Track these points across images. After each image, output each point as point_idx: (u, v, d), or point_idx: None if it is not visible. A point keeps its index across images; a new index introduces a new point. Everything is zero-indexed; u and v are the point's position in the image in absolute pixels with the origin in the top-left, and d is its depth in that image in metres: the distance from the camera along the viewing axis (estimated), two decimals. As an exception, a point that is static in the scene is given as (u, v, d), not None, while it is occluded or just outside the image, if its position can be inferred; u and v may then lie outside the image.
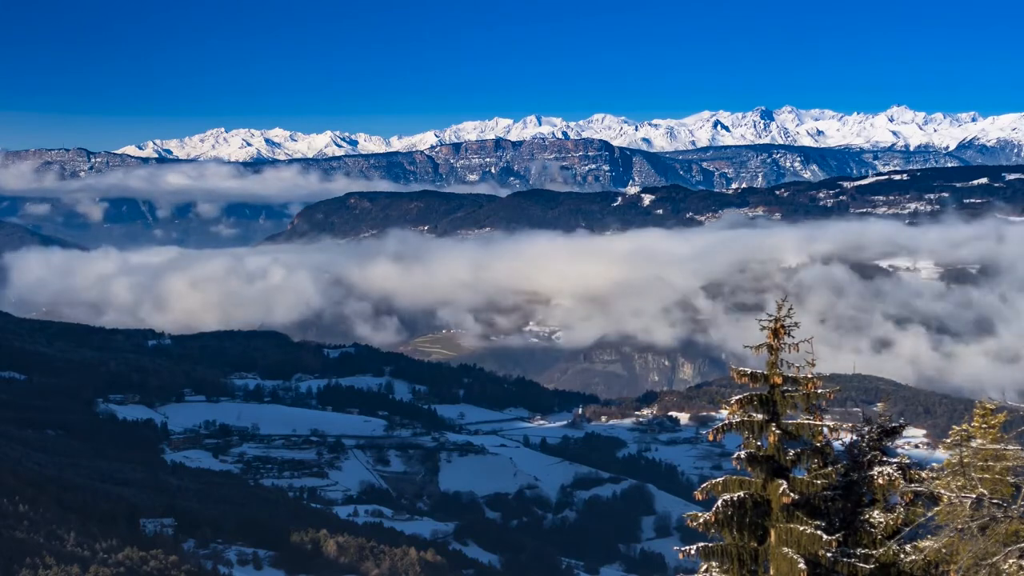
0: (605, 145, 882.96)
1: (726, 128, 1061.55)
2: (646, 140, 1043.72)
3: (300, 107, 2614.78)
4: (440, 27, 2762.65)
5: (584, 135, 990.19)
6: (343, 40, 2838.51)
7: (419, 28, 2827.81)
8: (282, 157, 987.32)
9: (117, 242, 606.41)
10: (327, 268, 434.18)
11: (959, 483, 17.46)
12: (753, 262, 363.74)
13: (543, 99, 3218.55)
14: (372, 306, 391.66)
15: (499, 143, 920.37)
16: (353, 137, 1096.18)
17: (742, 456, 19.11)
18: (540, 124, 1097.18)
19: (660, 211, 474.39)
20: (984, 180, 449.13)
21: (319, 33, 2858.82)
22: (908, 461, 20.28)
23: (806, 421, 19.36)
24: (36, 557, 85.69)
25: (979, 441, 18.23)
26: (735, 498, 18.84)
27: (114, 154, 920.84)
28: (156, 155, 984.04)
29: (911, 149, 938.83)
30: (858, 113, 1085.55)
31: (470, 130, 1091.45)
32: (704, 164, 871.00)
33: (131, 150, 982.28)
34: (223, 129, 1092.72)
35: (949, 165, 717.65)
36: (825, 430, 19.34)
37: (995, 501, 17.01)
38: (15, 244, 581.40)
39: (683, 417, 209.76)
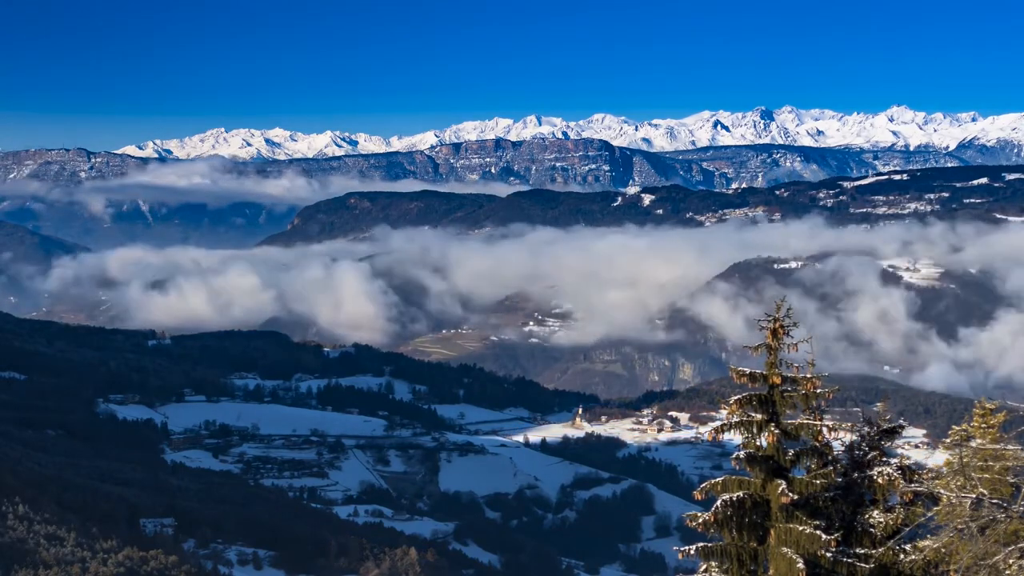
0: (605, 145, 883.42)
1: (726, 128, 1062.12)
2: (646, 140, 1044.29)
3: (300, 107, 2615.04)
4: (440, 27, 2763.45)
5: (584, 135, 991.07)
6: (343, 40, 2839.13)
7: (419, 28, 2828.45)
8: (282, 157, 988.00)
9: (117, 242, 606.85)
10: (327, 267, 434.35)
11: (959, 483, 17.44)
12: (753, 262, 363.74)
13: (543, 99, 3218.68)
14: (375, 306, 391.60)
15: (499, 143, 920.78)
16: (353, 137, 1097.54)
17: (741, 456, 19.10)
18: (540, 124, 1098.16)
19: (660, 211, 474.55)
20: (984, 180, 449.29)
21: (319, 33, 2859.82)
22: (908, 461, 20.28)
23: (805, 421, 19.35)
24: (36, 557, 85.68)
25: (979, 441, 18.21)
26: (734, 498, 18.83)
27: (114, 154, 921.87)
28: (156, 155, 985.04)
29: (911, 149, 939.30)
30: (858, 113, 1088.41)
31: (470, 130, 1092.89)
32: (704, 164, 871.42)
33: (131, 150, 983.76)
34: (223, 129, 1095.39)
35: (949, 165, 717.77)
36: (824, 430, 19.32)
37: (995, 501, 16.99)
38: (15, 244, 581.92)
39: (683, 417, 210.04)
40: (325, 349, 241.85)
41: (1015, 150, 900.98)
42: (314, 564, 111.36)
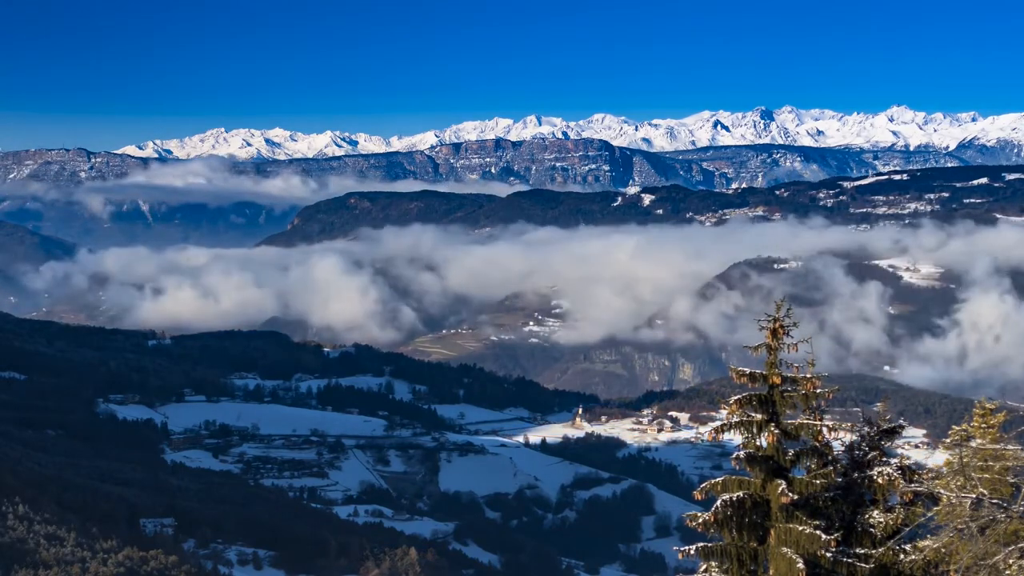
0: (605, 145, 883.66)
1: (726, 128, 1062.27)
2: (646, 140, 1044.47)
3: (300, 107, 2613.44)
4: (440, 27, 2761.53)
5: (584, 135, 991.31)
6: (343, 40, 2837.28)
7: (419, 28, 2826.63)
8: (282, 157, 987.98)
9: (117, 242, 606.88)
10: (327, 267, 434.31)
11: (959, 483, 17.44)
12: (753, 262, 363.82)
13: (543, 99, 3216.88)
14: (375, 305, 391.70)
15: (499, 143, 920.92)
16: (353, 137, 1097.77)
17: (741, 456, 19.09)
18: (540, 124, 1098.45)
19: (660, 211, 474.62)
20: (984, 180, 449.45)
21: (319, 33, 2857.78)
22: (908, 461, 20.28)
23: (805, 421, 19.34)
24: (36, 557, 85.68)
25: (978, 441, 18.20)
26: (734, 498, 18.81)
27: (114, 154, 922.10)
28: (156, 155, 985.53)
29: (911, 149, 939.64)
30: (858, 113, 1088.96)
31: (470, 130, 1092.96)
32: (704, 164, 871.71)
33: (131, 150, 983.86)
34: (223, 129, 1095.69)
35: (949, 165, 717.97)
36: (824, 430, 19.31)
37: (995, 501, 16.99)
38: (15, 244, 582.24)
39: (683, 417, 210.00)
40: (325, 349, 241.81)
41: (1015, 150, 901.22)
42: (314, 564, 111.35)
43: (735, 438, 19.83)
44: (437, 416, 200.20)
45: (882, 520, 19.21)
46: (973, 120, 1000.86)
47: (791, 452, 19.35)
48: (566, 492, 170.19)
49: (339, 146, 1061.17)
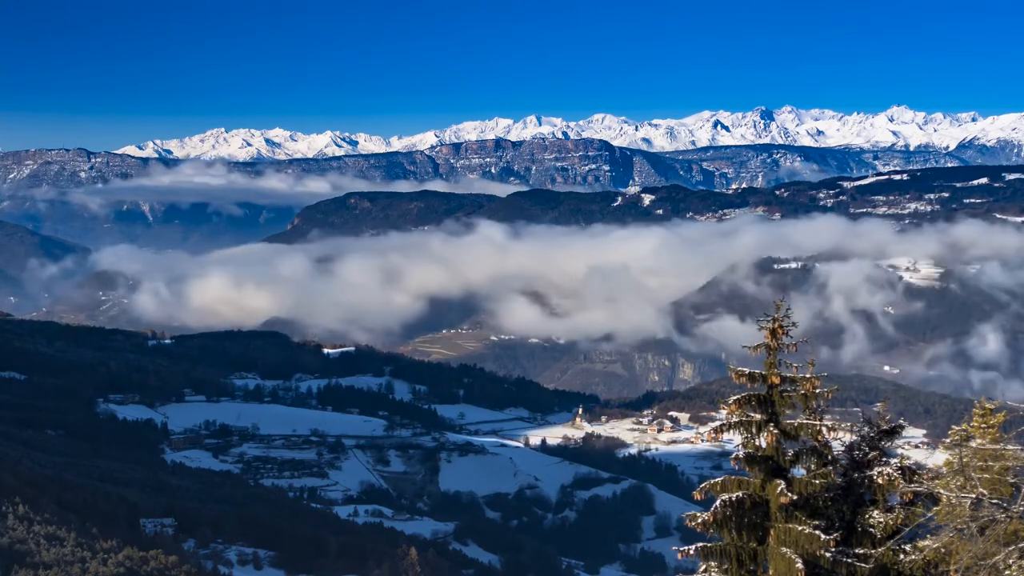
0: (605, 145, 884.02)
1: (726, 128, 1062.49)
2: (646, 140, 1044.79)
3: (300, 107, 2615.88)
4: (440, 27, 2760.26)
5: (584, 135, 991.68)
6: (343, 40, 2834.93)
7: (419, 28, 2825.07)
8: (282, 157, 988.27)
9: (117, 242, 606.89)
10: (327, 267, 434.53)
11: (959, 483, 17.42)
12: (753, 262, 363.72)
13: (543, 99, 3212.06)
14: (375, 305, 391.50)
15: (499, 143, 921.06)
16: (353, 137, 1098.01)
17: (741, 456, 19.08)
18: (540, 124, 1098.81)
19: (660, 211, 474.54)
20: (984, 180, 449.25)
21: (319, 33, 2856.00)
22: (908, 461, 20.25)
23: (805, 421, 19.32)
24: (36, 557, 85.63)
25: (978, 441, 18.19)
26: (734, 498, 18.80)
27: (114, 154, 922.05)
28: (156, 155, 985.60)
29: (911, 149, 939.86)
30: (858, 113, 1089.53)
31: (470, 130, 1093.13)
32: (704, 164, 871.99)
33: (131, 150, 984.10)
34: (223, 129, 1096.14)
35: (949, 165, 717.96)
36: (824, 430, 19.29)
37: (995, 501, 16.97)
38: (15, 244, 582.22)
39: (683, 417, 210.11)
40: (325, 349, 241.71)
41: (1015, 150, 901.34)
42: (314, 564, 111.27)
43: (735, 438, 19.82)
44: (437, 416, 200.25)
45: (882, 520, 19.18)
46: (973, 120, 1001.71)
47: (791, 452, 19.33)
48: (566, 492, 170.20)
49: (339, 146, 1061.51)
